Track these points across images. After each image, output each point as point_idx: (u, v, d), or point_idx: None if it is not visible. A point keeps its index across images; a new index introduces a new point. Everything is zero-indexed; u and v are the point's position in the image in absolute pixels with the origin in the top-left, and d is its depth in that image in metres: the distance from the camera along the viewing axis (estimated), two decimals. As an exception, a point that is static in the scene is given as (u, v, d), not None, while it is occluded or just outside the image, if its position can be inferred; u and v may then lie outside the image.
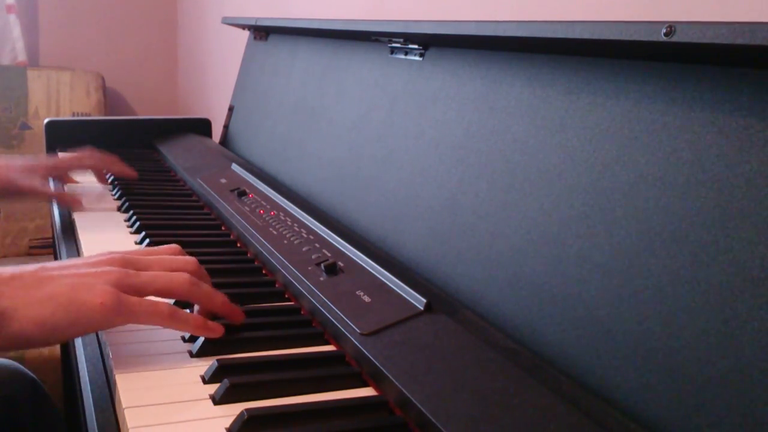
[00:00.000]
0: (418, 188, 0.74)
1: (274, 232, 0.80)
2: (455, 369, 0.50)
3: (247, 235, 0.82)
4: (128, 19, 2.52)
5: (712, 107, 0.46)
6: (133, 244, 0.84)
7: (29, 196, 0.98)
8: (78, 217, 0.94)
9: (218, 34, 2.14)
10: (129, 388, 0.51)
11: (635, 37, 0.46)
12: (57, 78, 2.19)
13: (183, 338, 0.59)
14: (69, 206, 0.99)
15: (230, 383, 0.50)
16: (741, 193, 0.43)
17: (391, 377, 0.50)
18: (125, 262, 0.58)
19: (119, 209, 0.98)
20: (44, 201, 1.02)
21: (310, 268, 0.69)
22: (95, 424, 0.49)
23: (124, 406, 0.48)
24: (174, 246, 0.64)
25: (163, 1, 2.56)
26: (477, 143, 0.67)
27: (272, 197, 0.92)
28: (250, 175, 1.01)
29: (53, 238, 1.08)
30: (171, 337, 0.59)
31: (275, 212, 0.86)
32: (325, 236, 0.76)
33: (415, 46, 0.81)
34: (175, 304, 0.59)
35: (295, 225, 0.81)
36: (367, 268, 0.66)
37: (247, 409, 0.47)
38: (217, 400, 0.50)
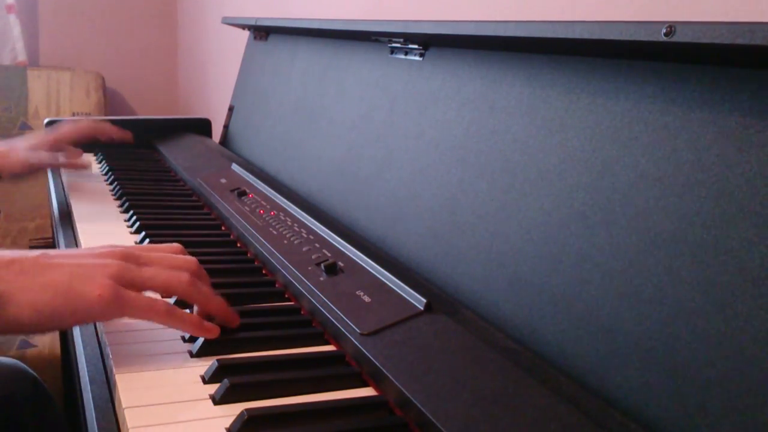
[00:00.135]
0: (418, 188, 0.74)
1: (274, 232, 0.80)
2: (455, 369, 0.50)
3: (247, 235, 0.82)
4: (128, 19, 2.52)
5: (712, 107, 0.46)
6: (133, 244, 0.84)
7: (40, 170, 1.05)
8: (78, 218, 0.94)
9: (218, 34, 2.14)
10: (129, 388, 0.51)
11: (635, 37, 0.46)
12: (57, 78, 2.19)
13: (183, 338, 0.59)
14: (81, 168, 1.07)
15: (230, 383, 0.50)
16: (741, 193, 0.43)
17: (391, 377, 0.50)
18: (127, 256, 0.58)
19: (120, 209, 0.98)
20: (56, 170, 1.08)
21: (310, 268, 0.69)
22: (95, 424, 0.49)
23: (124, 406, 0.48)
24: (176, 245, 0.64)
25: (163, 1, 2.56)
26: (477, 143, 0.67)
27: (272, 197, 0.92)
28: (250, 175, 1.01)
29: (53, 238, 1.09)
30: (171, 337, 0.60)
31: (275, 212, 0.86)
32: (325, 236, 0.76)
33: (415, 46, 0.81)
34: (175, 303, 0.59)
35: (295, 225, 0.81)
36: (367, 268, 0.66)
37: (247, 409, 0.47)
38: (217, 400, 0.50)
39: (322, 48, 1.07)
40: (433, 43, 0.79)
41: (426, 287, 0.64)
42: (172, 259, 0.60)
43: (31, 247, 2.08)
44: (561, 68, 0.60)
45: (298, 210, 0.84)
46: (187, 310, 0.59)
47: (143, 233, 0.84)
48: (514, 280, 0.58)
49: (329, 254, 0.71)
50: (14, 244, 2.07)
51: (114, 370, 0.53)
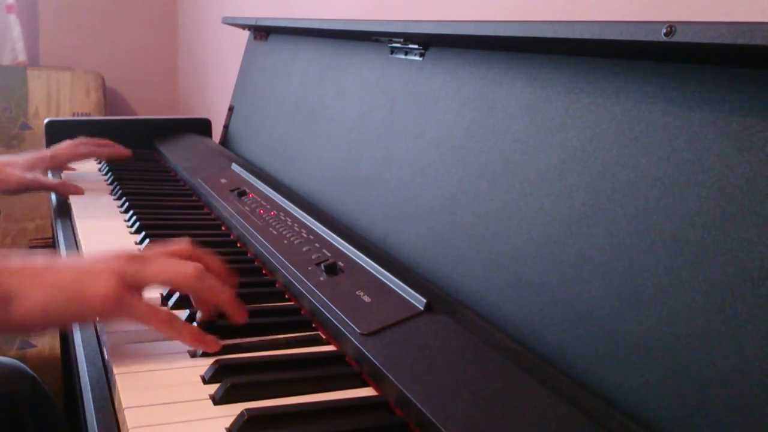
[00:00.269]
0: (418, 188, 0.74)
1: (274, 232, 0.80)
2: (455, 369, 0.50)
3: (247, 235, 0.82)
4: (128, 19, 2.52)
5: (712, 107, 0.46)
6: (133, 244, 0.84)
7: (34, 189, 1.04)
8: (78, 218, 0.94)
9: (218, 34, 2.14)
10: (129, 388, 0.51)
11: (635, 37, 0.46)
12: (57, 78, 2.19)
13: (183, 338, 0.59)
14: (72, 193, 1.04)
15: (230, 383, 0.50)
16: (741, 193, 0.43)
17: (391, 377, 0.50)
18: (133, 257, 0.58)
19: (120, 209, 0.98)
20: (47, 192, 1.08)
21: (310, 268, 0.69)
22: (95, 424, 0.49)
23: (124, 406, 0.48)
24: (184, 243, 0.63)
25: (163, 1, 2.56)
26: (477, 143, 0.67)
27: (272, 197, 0.92)
28: (250, 175, 1.01)
29: (53, 238, 1.09)
30: (171, 337, 0.59)
31: (275, 212, 0.86)
32: (325, 236, 0.76)
33: (415, 46, 0.81)
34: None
35: (295, 225, 0.81)
36: (367, 268, 0.66)
37: (247, 409, 0.47)
38: (217, 400, 0.50)
39: (322, 48, 1.07)
40: (433, 43, 0.79)
41: (426, 287, 0.64)
42: (177, 260, 0.60)
43: (31, 248, 2.08)
44: (561, 68, 0.60)
45: (298, 210, 0.84)
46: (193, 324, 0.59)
47: (143, 233, 0.84)
48: (514, 280, 0.58)
49: (329, 254, 0.71)
50: (14, 244, 2.07)
51: (114, 370, 0.53)
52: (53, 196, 1.07)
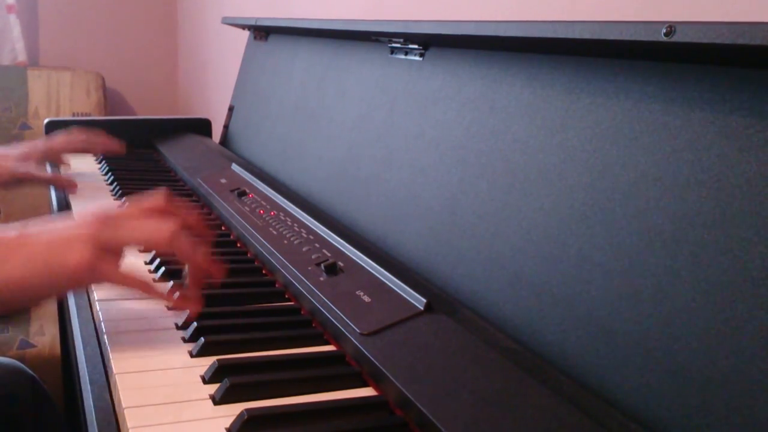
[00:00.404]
0: (418, 188, 0.74)
1: (274, 232, 0.80)
2: (455, 369, 0.50)
3: (247, 235, 0.82)
4: (128, 19, 2.52)
5: (712, 107, 0.46)
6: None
7: (27, 182, 1.03)
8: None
9: (218, 34, 2.14)
10: (129, 387, 0.51)
11: (635, 37, 0.46)
12: (57, 78, 2.19)
13: (183, 339, 0.59)
14: (65, 189, 1.04)
15: (230, 383, 0.50)
16: (741, 193, 0.43)
17: (391, 377, 0.50)
18: (105, 220, 0.58)
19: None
20: (42, 185, 1.08)
21: (310, 268, 0.69)
22: (95, 423, 0.49)
23: (124, 406, 0.48)
24: (160, 196, 0.62)
25: (163, 1, 2.56)
26: (477, 143, 0.67)
27: (272, 197, 0.92)
28: (250, 175, 1.01)
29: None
30: (171, 337, 0.60)
31: (275, 212, 0.86)
32: (325, 236, 0.76)
33: (415, 46, 0.81)
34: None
35: (295, 225, 0.81)
36: (367, 268, 0.66)
37: (247, 409, 0.47)
38: (217, 400, 0.50)
39: (322, 48, 1.07)
40: (433, 43, 0.79)
41: (426, 287, 0.64)
42: (151, 222, 0.59)
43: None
44: (561, 68, 0.60)
45: (298, 210, 0.84)
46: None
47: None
48: (514, 280, 0.58)
49: (329, 254, 0.71)
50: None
51: (114, 370, 0.53)
52: (53, 196, 1.07)
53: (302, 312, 0.66)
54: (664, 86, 0.50)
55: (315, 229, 0.79)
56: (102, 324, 0.61)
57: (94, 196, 1.05)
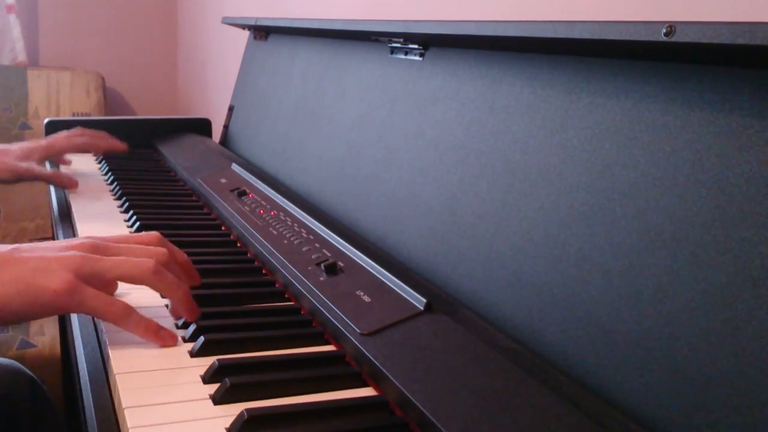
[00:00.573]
0: (418, 188, 0.74)
1: (274, 232, 0.80)
2: (455, 369, 0.50)
3: (247, 235, 0.82)
4: (128, 19, 2.52)
5: (712, 107, 0.46)
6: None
7: (27, 179, 1.04)
8: (78, 218, 0.94)
9: (218, 34, 2.14)
10: (129, 388, 0.51)
11: (635, 37, 0.46)
12: (57, 78, 2.19)
13: (183, 338, 0.59)
14: (65, 187, 1.04)
15: (230, 383, 0.50)
16: (741, 193, 0.43)
17: (391, 377, 0.50)
18: (94, 247, 0.59)
19: (119, 209, 0.98)
20: (42, 182, 1.08)
21: (310, 268, 0.69)
22: (95, 424, 0.49)
23: (124, 406, 0.48)
24: (154, 234, 0.64)
25: (163, 1, 2.56)
26: (477, 143, 0.67)
27: (272, 197, 0.92)
28: (250, 175, 1.01)
29: (53, 237, 1.09)
30: (171, 337, 0.59)
31: (275, 212, 0.86)
32: (325, 236, 0.76)
33: (415, 46, 0.81)
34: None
35: (295, 225, 0.81)
36: (367, 268, 0.66)
37: (247, 409, 0.47)
38: (217, 400, 0.50)
39: (322, 48, 1.07)
40: (433, 43, 0.79)
41: (426, 287, 0.64)
42: (139, 250, 0.60)
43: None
44: (561, 68, 0.60)
45: (298, 210, 0.84)
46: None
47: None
48: (514, 280, 0.58)
49: (329, 254, 0.71)
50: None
51: (114, 370, 0.53)
52: (53, 196, 1.07)
53: (302, 312, 0.66)
54: (664, 86, 0.50)
55: (315, 229, 0.79)
56: (102, 324, 0.61)
57: (94, 197, 1.05)
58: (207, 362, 0.55)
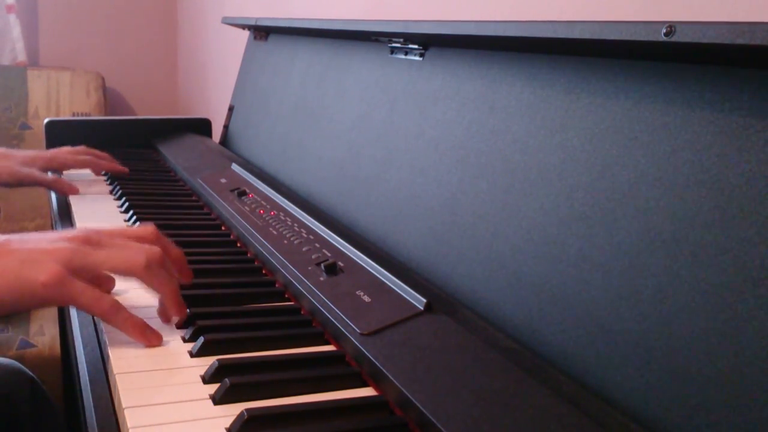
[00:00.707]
0: (418, 188, 0.74)
1: (274, 232, 0.80)
2: (455, 369, 0.50)
3: (247, 235, 0.82)
4: (128, 19, 2.52)
5: (712, 107, 0.46)
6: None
7: (28, 184, 1.04)
8: (78, 218, 0.94)
9: (218, 34, 2.14)
10: (129, 388, 0.51)
11: (635, 37, 0.46)
12: (57, 78, 2.19)
13: (183, 338, 0.59)
14: (66, 193, 1.04)
15: (230, 383, 0.50)
16: (741, 193, 0.43)
17: (391, 377, 0.50)
18: (86, 240, 0.58)
19: (119, 209, 0.98)
20: (43, 187, 1.08)
21: (310, 268, 0.69)
22: (95, 424, 0.49)
23: (124, 406, 0.48)
24: (149, 227, 0.63)
25: (163, 1, 2.56)
26: (477, 143, 0.67)
27: (272, 197, 0.92)
28: (250, 175, 1.01)
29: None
30: (171, 337, 0.60)
31: (275, 212, 0.86)
32: (325, 236, 0.76)
33: (415, 46, 0.81)
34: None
35: (295, 225, 0.81)
36: (367, 268, 0.66)
37: (247, 409, 0.47)
38: (217, 400, 0.50)
39: (322, 48, 1.07)
40: (433, 43, 0.79)
41: (426, 287, 0.64)
42: (132, 244, 0.60)
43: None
44: (561, 68, 0.60)
45: (298, 210, 0.84)
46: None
47: (143, 233, 0.84)
48: (514, 280, 0.58)
49: (329, 254, 0.71)
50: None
51: (114, 370, 0.53)
52: (53, 196, 1.07)
53: (302, 312, 0.66)
54: (664, 86, 0.50)
55: (315, 229, 0.79)
56: (102, 324, 0.61)
57: (95, 197, 1.05)
58: (207, 362, 0.55)
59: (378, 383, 0.53)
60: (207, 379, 0.53)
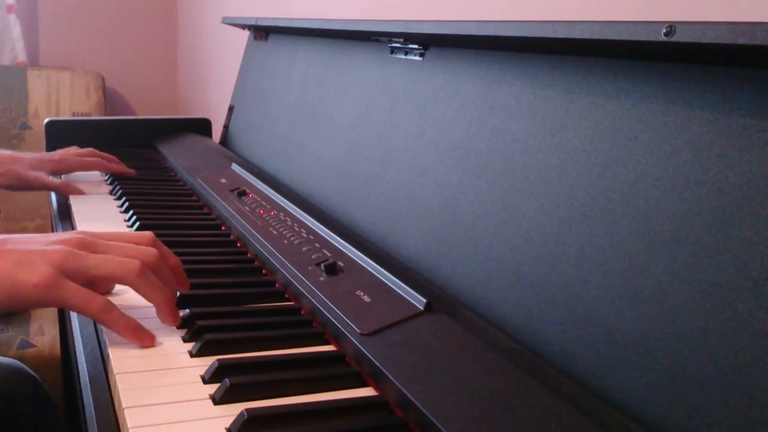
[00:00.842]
0: (418, 188, 0.74)
1: (274, 232, 0.80)
2: (455, 369, 0.50)
3: (247, 235, 0.82)
4: (128, 19, 2.52)
5: (712, 107, 0.46)
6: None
7: (36, 188, 1.05)
8: (78, 218, 0.94)
9: (218, 34, 2.14)
10: (129, 388, 0.51)
11: (635, 37, 0.46)
12: (57, 78, 2.19)
13: (183, 338, 0.60)
14: (71, 195, 1.04)
15: (230, 383, 0.50)
16: (741, 193, 0.43)
17: (391, 377, 0.50)
18: (82, 243, 0.58)
19: (119, 209, 0.98)
20: (48, 191, 1.09)
21: (310, 268, 0.69)
22: (95, 424, 0.49)
23: (124, 406, 0.48)
24: (148, 234, 0.63)
25: (163, 1, 2.56)
26: (477, 143, 0.67)
27: (272, 197, 0.92)
28: (250, 175, 1.01)
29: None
30: (171, 337, 0.60)
31: (275, 212, 0.86)
32: (325, 236, 0.76)
33: (415, 46, 0.81)
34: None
35: (295, 225, 0.81)
36: (367, 268, 0.66)
37: (247, 409, 0.47)
38: (217, 400, 0.50)
39: (322, 48, 1.07)
40: (433, 43, 0.79)
41: (426, 287, 0.64)
42: (129, 249, 0.60)
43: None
44: (561, 68, 0.60)
45: (298, 210, 0.84)
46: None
47: (143, 233, 0.84)
48: (514, 280, 0.58)
49: (329, 254, 0.71)
50: (14, 244, 2.07)
51: (114, 370, 0.53)
52: (53, 196, 1.07)
53: (302, 312, 0.66)
54: (664, 86, 0.50)
55: (315, 229, 0.79)
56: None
57: (95, 196, 1.05)
58: (207, 362, 0.55)
59: (378, 383, 0.53)
60: (207, 379, 0.53)
